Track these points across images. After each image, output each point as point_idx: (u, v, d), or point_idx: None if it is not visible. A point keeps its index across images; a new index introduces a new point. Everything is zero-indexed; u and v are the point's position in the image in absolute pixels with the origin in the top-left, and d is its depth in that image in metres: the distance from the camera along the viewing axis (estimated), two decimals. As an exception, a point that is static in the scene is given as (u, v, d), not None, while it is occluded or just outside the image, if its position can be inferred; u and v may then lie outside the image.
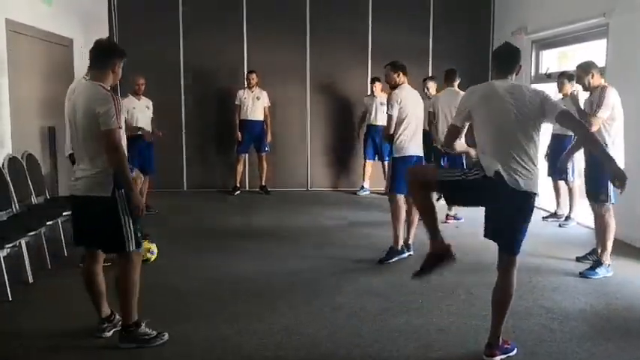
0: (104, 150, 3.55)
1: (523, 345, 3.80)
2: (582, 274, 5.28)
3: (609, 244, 5.30)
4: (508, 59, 3.69)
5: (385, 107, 6.30)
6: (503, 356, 3.62)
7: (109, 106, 3.52)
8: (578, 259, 5.67)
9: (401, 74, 5.68)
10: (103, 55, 3.70)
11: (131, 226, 3.67)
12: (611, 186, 4.98)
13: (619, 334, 4.03)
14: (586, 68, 5.29)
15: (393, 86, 5.74)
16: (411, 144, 5.55)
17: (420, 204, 3.74)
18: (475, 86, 3.72)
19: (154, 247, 5.50)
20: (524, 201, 3.47)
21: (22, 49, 6.17)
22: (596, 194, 5.24)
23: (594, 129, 4.97)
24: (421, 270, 3.62)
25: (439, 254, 3.57)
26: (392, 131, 5.55)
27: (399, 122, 5.53)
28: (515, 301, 4.47)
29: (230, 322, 4.14)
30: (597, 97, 5.11)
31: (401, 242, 5.70)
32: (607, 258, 5.32)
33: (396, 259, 5.63)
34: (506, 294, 3.59)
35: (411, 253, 5.74)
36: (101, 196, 3.59)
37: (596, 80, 5.25)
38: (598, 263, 5.34)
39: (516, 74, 3.68)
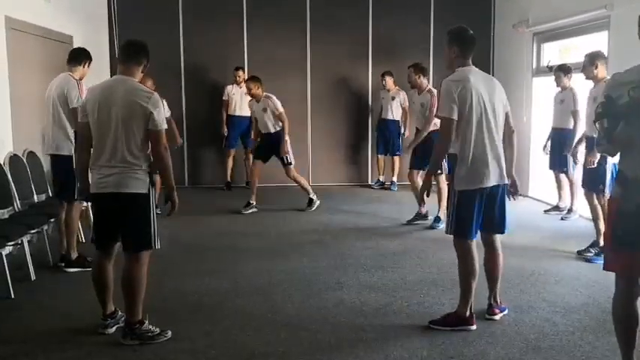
0: (153, 149, 3.62)
1: (526, 338, 3.80)
2: (588, 260, 5.40)
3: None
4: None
5: (397, 101, 7.21)
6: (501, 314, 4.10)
7: (160, 107, 3.64)
8: (579, 253, 5.59)
9: None
10: (135, 51, 3.74)
11: (157, 224, 3.70)
12: (608, 177, 5.11)
13: (622, 326, 4.02)
14: (592, 58, 5.31)
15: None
16: None
17: None
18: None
19: None
20: None
21: (22, 46, 6.16)
22: (594, 184, 5.31)
23: (580, 128, 5.43)
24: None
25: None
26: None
27: None
28: (517, 295, 4.51)
29: (232, 318, 4.14)
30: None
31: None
32: None
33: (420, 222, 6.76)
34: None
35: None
36: (137, 193, 3.61)
37: (601, 72, 5.26)
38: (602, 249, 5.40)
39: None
